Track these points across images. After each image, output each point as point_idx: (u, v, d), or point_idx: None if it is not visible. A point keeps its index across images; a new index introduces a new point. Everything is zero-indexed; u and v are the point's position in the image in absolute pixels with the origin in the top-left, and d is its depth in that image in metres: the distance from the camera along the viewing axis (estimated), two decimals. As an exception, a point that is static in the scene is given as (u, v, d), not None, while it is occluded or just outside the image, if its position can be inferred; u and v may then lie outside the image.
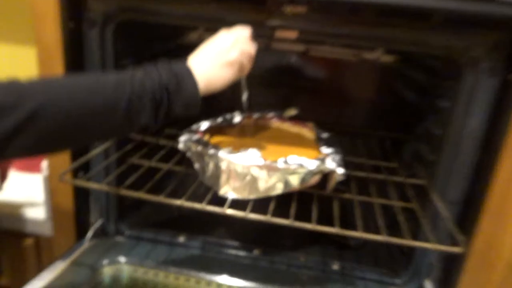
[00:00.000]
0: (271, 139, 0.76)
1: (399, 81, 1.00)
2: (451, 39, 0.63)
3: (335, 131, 0.90)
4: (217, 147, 0.66)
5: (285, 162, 0.63)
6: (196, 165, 0.69)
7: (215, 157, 0.64)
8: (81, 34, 0.76)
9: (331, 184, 0.66)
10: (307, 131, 0.82)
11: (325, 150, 0.70)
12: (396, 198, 0.77)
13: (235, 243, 0.85)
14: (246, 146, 0.69)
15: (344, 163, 0.68)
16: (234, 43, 0.58)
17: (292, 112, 0.88)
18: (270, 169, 0.62)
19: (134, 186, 0.74)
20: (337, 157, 0.68)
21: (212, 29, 0.65)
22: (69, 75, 0.56)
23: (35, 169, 1.10)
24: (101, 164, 0.82)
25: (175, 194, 0.73)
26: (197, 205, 0.62)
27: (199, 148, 0.67)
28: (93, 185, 0.71)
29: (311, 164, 0.64)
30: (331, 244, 0.86)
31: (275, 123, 0.86)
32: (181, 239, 0.87)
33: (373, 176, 0.79)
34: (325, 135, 0.79)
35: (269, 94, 1.07)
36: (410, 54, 0.88)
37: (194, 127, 0.75)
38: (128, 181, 0.74)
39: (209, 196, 0.65)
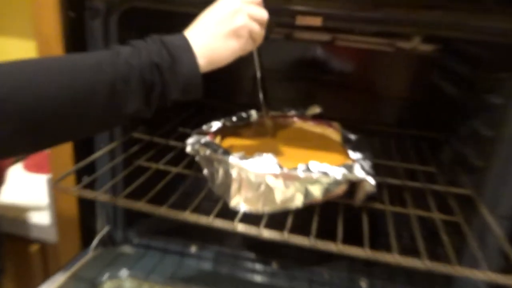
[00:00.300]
0: (291, 141, 0.67)
1: (438, 74, 0.88)
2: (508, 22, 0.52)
3: (364, 131, 0.80)
4: (227, 151, 0.58)
5: (306, 169, 0.54)
6: (205, 171, 0.61)
7: (224, 163, 0.56)
8: (83, 24, 0.70)
9: (360, 196, 0.57)
10: (332, 132, 0.72)
11: (353, 155, 0.61)
12: (435, 208, 0.66)
13: (251, 255, 0.77)
14: (261, 150, 0.60)
15: (376, 170, 0.59)
16: (240, 7, 0.49)
17: (316, 110, 0.78)
18: (288, 178, 0.53)
19: (140, 191, 0.67)
20: (367, 164, 0.58)
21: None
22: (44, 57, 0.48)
23: (45, 169, 1.05)
24: (107, 165, 0.76)
25: (183, 202, 0.65)
26: (203, 220, 0.54)
27: (208, 152, 0.59)
28: (86, 193, 0.63)
29: (337, 172, 0.54)
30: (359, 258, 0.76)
31: (296, 122, 0.77)
32: (193, 249, 0.80)
33: (410, 184, 0.68)
34: (352, 136, 0.69)
35: (289, 90, 0.98)
36: (452, 42, 0.77)
37: (204, 127, 0.67)
38: (129, 188, 0.67)
39: (218, 207, 0.57)
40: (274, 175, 0.53)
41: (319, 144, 0.67)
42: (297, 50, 0.93)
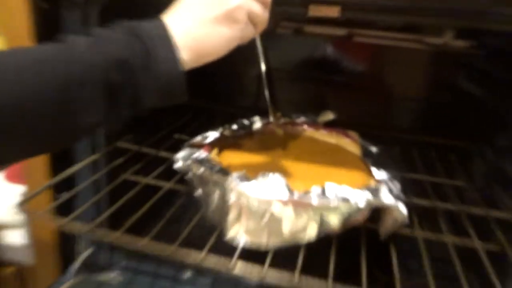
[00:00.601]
0: (301, 154, 0.56)
1: (472, 75, 0.77)
2: None
3: (382, 138, 0.70)
4: (225, 170, 0.47)
5: (322, 194, 0.43)
6: (199, 192, 0.51)
7: (220, 185, 0.46)
8: (59, 17, 0.60)
9: (387, 225, 0.46)
10: (349, 143, 0.62)
11: (378, 173, 0.50)
12: (474, 234, 0.55)
13: (253, 282, 0.67)
14: (266, 167, 0.50)
15: (406, 193, 0.48)
16: None
17: (329, 116, 0.67)
18: (299, 205, 0.43)
19: (129, 209, 0.58)
20: (396, 186, 0.48)
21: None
22: None
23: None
24: (88, 180, 0.66)
25: (174, 226, 0.55)
26: (193, 255, 0.44)
27: (201, 170, 0.48)
28: (48, 219, 0.53)
29: (359, 197, 0.44)
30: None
31: (307, 131, 0.66)
32: (188, 274, 0.69)
33: (443, 207, 0.57)
34: (374, 149, 0.59)
35: (296, 92, 0.87)
36: (490, 37, 0.66)
37: (198, 138, 0.57)
38: (113, 206, 0.57)
39: (213, 239, 0.47)
40: (282, 202, 0.43)
41: (335, 158, 0.56)
42: (306, 47, 0.83)
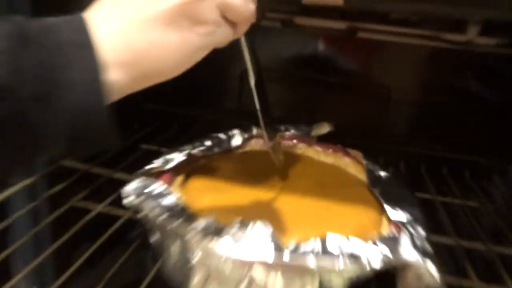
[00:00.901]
0: (292, 184, 0.43)
1: (494, 79, 0.65)
2: None
3: (385, 151, 0.59)
4: (187, 213, 0.34)
5: (322, 251, 0.31)
6: (155, 238, 0.38)
7: (181, 237, 0.33)
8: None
9: (411, 285, 0.34)
10: (350, 164, 0.49)
11: (393, 212, 0.38)
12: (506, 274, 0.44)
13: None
14: (244, 207, 0.37)
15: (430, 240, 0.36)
16: None
17: (324, 129, 0.55)
18: (291, 269, 0.30)
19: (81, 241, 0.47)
20: (419, 232, 0.35)
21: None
22: None
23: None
24: (26, 207, 0.53)
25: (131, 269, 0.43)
26: None
27: (156, 212, 0.35)
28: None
29: (373, 254, 0.32)
30: None
31: (298, 147, 0.54)
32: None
33: (470, 246, 0.46)
34: (382, 173, 0.47)
35: (284, 95, 0.74)
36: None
37: (157, 162, 0.43)
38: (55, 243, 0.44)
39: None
40: (267, 264, 0.30)
41: (336, 188, 0.43)
42: (294, 43, 0.70)
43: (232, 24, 0.28)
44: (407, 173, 0.64)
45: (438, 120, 0.69)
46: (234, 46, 0.32)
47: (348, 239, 0.32)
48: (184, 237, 0.32)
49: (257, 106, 0.37)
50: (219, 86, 0.81)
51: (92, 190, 0.55)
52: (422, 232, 0.35)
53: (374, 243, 0.33)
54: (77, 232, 0.50)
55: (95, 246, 0.47)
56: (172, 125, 0.74)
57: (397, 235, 0.34)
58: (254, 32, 0.32)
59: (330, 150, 0.52)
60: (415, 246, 0.33)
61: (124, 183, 0.51)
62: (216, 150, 0.50)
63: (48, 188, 0.54)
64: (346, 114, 0.73)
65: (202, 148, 0.48)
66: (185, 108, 0.75)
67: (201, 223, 0.33)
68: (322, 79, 0.74)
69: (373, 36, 0.52)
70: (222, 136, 0.52)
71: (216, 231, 0.32)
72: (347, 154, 0.50)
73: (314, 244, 0.32)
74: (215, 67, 0.76)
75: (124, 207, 0.50)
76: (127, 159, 0.59)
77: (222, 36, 0.28)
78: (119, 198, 0.51)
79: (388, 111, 0.74)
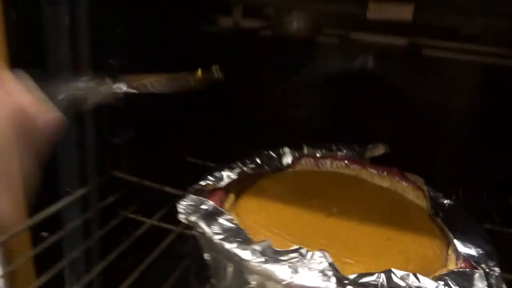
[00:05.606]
0: (348, 207, 0.41)
1: None
2: None
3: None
4: (243, 235, 0.33)
5: (386, 286, 0.29)
6: (207, 256, 0.37)
7: (237, 261, 0.31)
8: (39, 14, 0.47)
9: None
10: (407, 189, 0.47)
11: (463, 247, 0.35)
12: None
13: None
14: (299, 232, 0.36)
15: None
16: None
17: (380, 150, 0.52)
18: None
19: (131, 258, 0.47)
20: (494, 270, 0.32)
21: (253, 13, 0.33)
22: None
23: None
24: (77, 220, 0.53)
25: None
26: None
27: (209, 233, 0.34)
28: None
29: (443, 293, 0.29)
30: None
31: (351, 168, 0.51)
32: None
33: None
34: (446, 201, 0.43)
35: (337, 114, 0.72)
36: None
37: (210, 180, 0.42)
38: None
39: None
40: (329, 295, 0.28)
41: (395, 215, 0.41)
42: (348, 57, 0.67)
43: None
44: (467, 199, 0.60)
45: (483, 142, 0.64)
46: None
47: (415, 276, 0.30)
48: (242, 259, 0.31)
49: None
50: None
51: (141, 202, 0.55)
52: (497, 270, 0.32)
53: (444, 280, 0.30)
54: (129, 247, 0.50)
55: (149, 259, 0.47)
56: (216, 138, 0.73)
57: (469, 272, 0.32)
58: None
59: (385, 173, 0.50)
60: (490, 286, 0.30)
61: (173, 196, 0.51)
62: (266, 168, 0.49)
63: (98, 200, 0.54)
64: (399, 134, 0.69)
65: (252, 166, 0.47)
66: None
67: (257, 247, 0.31)
68: (375, 95, 0.71)
69: (439, 53, 0.49)
70: (272, 153, 0.51)
71: (274, 256, 0.30)
72: (405, 178, 0.48)
73: (377, 278, 0.29)
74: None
75: (174, 222, 0.50)
76: (174, 172, 0.59)
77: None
78: (169, 212, 0.51)
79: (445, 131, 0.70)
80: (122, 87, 0.36)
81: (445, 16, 0.34)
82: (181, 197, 0.39)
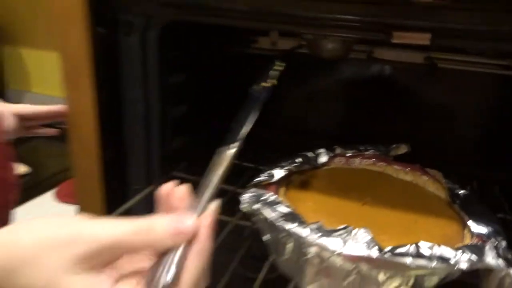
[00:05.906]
0: (378, 197, 0.50)
1: None
2: None
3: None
4: (299, 218, 0.42)
5: (416, 254, 0.37)
6: (267, 237, 0.46)
7: (296, 236, 0.40)
8: (116, 42, 0.57)
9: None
10: (428, 182, 0.55)
11: (476, 226, 0.43)
12: None
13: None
14: (342, 215, 0.44)
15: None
16: None
17: (403, 149, 0.61)
18: (392, 266, 0.37)
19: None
20: (501, 243, 0.40)
21: (290, 34, 0.42)
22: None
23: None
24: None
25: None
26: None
27: (272, 216, 0.43)
28: None
29: (461, 259, 0.37)
30: None
31: (378, 165, 0.60)
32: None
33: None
34: (461, 191, 0.52)
35: (364, 120, 0.80)
36: None
37: (263, 176, 0.52)
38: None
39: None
40: (372, 261, 0.37)
41: (420, 203, 0.49)
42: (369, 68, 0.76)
43: None
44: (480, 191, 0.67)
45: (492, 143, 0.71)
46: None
47: (439, 246, 0.38)
48: (300, 237, 0.40)
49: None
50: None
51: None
52: (504, 243, 0.40)
53: (461, 249, 0.38)
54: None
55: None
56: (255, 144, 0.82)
57: (481, 245, 0.40)
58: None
59: (408, 169, 0.58)
60: (498, 254, 0.39)
61: (226, 192, 0.60)
62: (306, 166, 0.58)
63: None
64: (418, 135, 0.77)
65: (296, 164, 0.56)
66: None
67: (313, 226, 0.40)
68: (397, 103, 0.79)
69: (453, 66, 0.57)
70: (310, 154, 0.60)
71: (327, 232, 0.39)
72: (426, 173, 0.56)
73: (409, 248, 0.38)
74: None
75: (230, 214, 0.59)
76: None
77: None
78: (224, 206, 0.60)
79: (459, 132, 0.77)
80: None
81: (457, 42, 0.42)
82: (236, 193, 0.47)
